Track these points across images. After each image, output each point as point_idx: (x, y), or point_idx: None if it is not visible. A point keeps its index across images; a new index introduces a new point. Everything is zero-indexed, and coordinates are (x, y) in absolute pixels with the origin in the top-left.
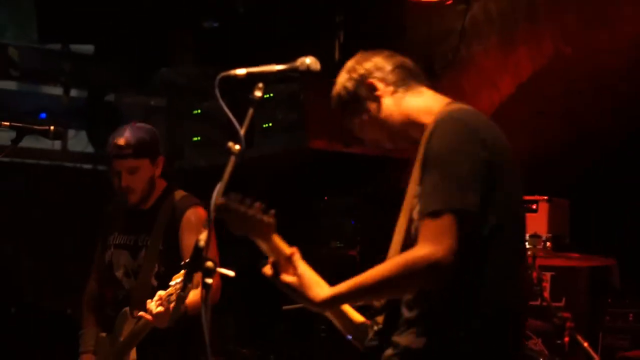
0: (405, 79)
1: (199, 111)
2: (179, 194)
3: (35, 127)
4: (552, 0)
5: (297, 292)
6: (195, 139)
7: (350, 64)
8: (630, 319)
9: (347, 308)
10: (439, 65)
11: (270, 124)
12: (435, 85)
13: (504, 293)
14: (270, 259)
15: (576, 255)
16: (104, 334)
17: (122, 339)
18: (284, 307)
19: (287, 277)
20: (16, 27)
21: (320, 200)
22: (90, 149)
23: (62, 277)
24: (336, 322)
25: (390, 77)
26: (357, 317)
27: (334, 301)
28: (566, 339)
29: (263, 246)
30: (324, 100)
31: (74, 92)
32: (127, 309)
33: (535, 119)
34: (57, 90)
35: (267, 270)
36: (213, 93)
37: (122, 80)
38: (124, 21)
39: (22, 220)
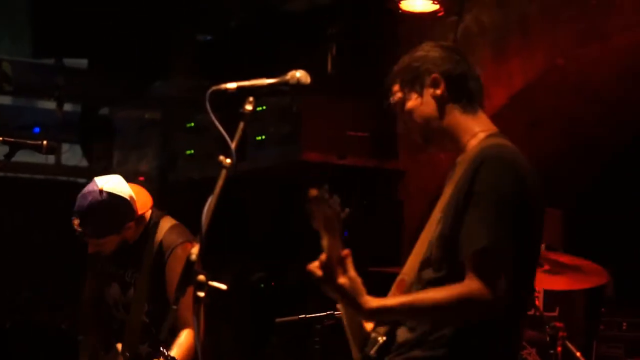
0: (465, 90)
1: (192, 124)
2: (166, 225)
3: (28, 142)
4: (544, 12)
5: (347, 296)
6: (188, 152)
7: (431, 47)
8: (624, 327)
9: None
10: None
11: (263, 137)
12: None
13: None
14: (322, 258)
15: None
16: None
17: None
18: (278, 320)
19: (341, 279)
20: (10, 42)
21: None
22: (84, 162)
23: (57, 292)
24: (346, 321)
25: (454, 83)
26: (367, 325)
27: (382, 312)
28: (559, 348)
29: (327, 242)
30: (318, 112)
31: (67, 106)
32: (119, 345)
33: (528, 130)
34: (51, 105)
35: (317, 270)
36: (205, 106)
37: (116, 94)
38: (118, 35)
39: (16, 234)
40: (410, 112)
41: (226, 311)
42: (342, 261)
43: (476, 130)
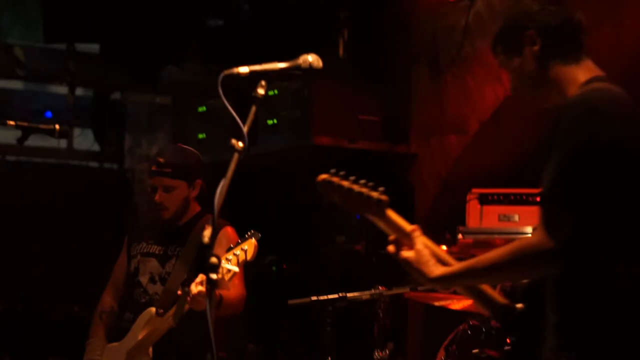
0: (564, 41)
1: (204, 109)
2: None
3: (41, 126)
4: None
5: (413, 267)
6: (200, 136)
7: (526, 2)
8: None
9: (487, 288)
10: (443, 61)
11: (275, 121)
12: (440, 80)
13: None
14: (392, 237)
15: None
16: (114, 344)
17: (140, 337)
18: (290, 302)
19: (406, 253)
20: (22, 27)
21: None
22: (96, 147)
23: (69, 275)
24: (475, 300)
25: (550, 36)
26: (499, 297)
27: (447, 279)
28: None
29: (379, 224)
30: (329, 96)
31: (79, 91)
32: (152, 308)
33: (542, 112)
34: (63, 90)
35: (391, 247)
36: (217, 91)
37: (128, 79)
38: (129, 20)
39: (29, 219)
40: (514, 73)
41: None
42: (409, 236)
43: (580, 79)
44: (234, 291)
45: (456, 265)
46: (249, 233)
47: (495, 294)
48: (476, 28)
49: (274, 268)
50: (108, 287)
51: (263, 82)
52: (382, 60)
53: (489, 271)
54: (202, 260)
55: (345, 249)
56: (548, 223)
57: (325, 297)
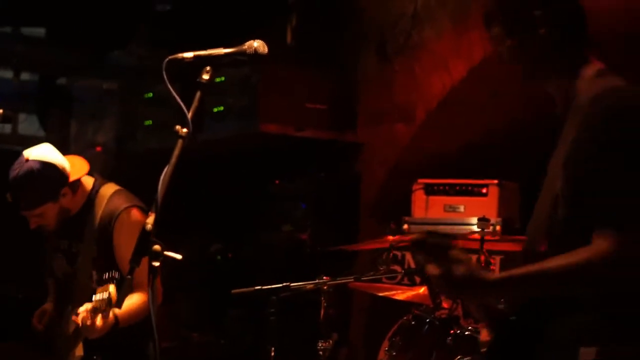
0: (574, 29)
1: (151, 95)
2: (109, 191)
3: None
4: None
5: (467, 276)
6: (147, 122)
7: None
8: None
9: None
10: (391, 50)
11: (222, 108)
12: (388, 68)
13: None
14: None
15: (525, 239)
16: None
17: (69, 333)
18: (234, 291)
19: (457, 269)
20: None
21: (272, 184)
22: (41, 132)
23: (14, 262)
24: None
25: (560, 22)
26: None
27: (506, 283)
28: None
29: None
30: (276, 84)
31: (25, 75)
32: (69, 307)
33: (488, 100)
34: (8, 74)
35: (433, 270)
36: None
37: (74, 64)
38: (76, 4)
39: None
40: (518, 55)
41: (183, 282)
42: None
43: (587, 70)
44: (136, 299)
45: (518, 269)
46: (106, 276)
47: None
48: (425, 16)
49: (218, 257)
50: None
51: (208, 68)
52: (330, 47)
53: (560, 277)
54: (144, 247)
55: (291, 238)
56: (618, 230)
57: (268, 287)
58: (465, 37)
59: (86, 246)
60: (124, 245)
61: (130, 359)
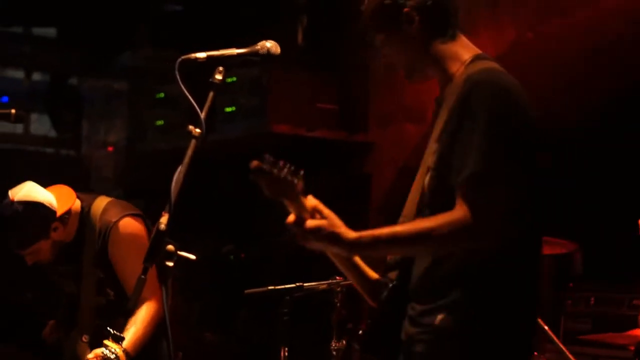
0: (442, 18)
1: (162, 95)
2: (99, 207)
3: None
4: None
5: (327, 232)
6: (158, 122)
7: None
8: (592, 302)
9: (361, 262)
10: None
11: (233, 108)
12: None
13: (535, 284)
14: (290, 219)
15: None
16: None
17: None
18: (247, 292)
19: (316, 221)
20: None
21: None
22: (52, 132)
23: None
24: (348, 275)
25: (428, 13)
26: (371, 273)
27: (365, 243)
28: None
29: (291, 207)
30: (287, 84)
31: (36, 76)
32: (74, 332)
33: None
34: (19, 74)
35: (290, 218)
36: (174, 77)
37: (85, 64)
38: (87, 5)
39: None
40: (386, 49)
41: (196, 283)
42: (313, 210)
43: (462, 56)
44: (140, 322)
45: (376, 230)
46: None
47: (369, 269)
48: None
49: (231, 257)
50: None
51: (221, 68)
52: (340, 48)
53: (413, 240)
54: (158, 247)
55: None
56: (477, 201)
57: (281, 287)
58: (474, 39)
59: (87, 269)
60: (121, 260)
61: (143, 359)
